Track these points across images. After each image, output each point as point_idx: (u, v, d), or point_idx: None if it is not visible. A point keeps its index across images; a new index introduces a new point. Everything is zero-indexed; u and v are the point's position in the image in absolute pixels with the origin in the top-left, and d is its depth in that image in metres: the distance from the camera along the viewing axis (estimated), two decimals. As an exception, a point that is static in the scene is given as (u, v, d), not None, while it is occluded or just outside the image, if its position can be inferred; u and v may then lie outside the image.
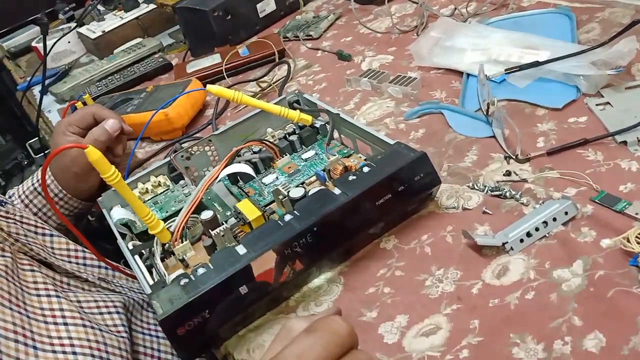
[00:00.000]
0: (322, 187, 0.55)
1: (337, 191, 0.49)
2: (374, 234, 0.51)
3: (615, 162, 0.50)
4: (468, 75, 0.69)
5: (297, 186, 0.57)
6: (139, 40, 1.23)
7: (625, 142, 0.51)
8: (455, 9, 0.84)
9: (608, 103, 0.57)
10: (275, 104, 0.67)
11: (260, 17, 1.05)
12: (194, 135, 0.79)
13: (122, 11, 1.31)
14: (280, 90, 0.78)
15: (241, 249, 0.47)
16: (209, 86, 0.60)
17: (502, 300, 0.42)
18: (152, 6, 1.28)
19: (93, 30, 1.28)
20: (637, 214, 0.44)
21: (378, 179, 0.48)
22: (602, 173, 0.49)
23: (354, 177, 0.49)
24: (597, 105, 0.57)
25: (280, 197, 0.55)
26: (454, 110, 0.64)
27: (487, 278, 0.44)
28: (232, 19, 1.01)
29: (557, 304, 0.40)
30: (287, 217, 0.48)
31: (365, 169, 0.50)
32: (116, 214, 0.58)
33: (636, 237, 0.41)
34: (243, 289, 0.45)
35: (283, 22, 1.06)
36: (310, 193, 0.52)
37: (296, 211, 0.48)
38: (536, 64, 0.63)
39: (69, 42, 1.36)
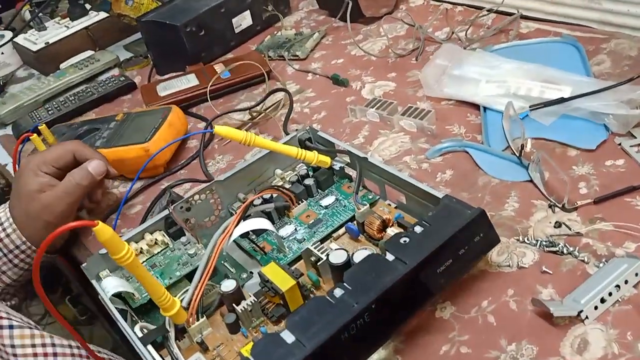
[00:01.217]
0: (362, 247, 0.49)
1: (390, 257, 0.43)
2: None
3: (669, 213, 0.48)
4: (485, 108, 0.65)
5: (329, 243, 0.51)
6: (90, 53, 1.11)
7: (676, 191, 0.49)
8: (452, 32, 0.80)
9: (643, 145, 0.55)
10: (285, 143, 0.60)
11: (236, 32, 0.97)
12: (190, 178, 0.69)
13: (67, 19, 1.17)
14: (285, 125, 0.71)
15: (288, 336, 0.40)
16: (216, 128, 0.53)
17: (589, 380, 0.38)
18: (102, 15, 1.15)
19: (33, 40, 1.14)
20: None
21: (438, 242, 0.43)
22: (658, 226, 0.47)
23: (407, 240, 0.44)
24: (631, 146, 0.55)
25: (313, 259, 0.48)
26: (481, 150, 0.60)
27: (567, 354, 0.40)
28: (205, 34, 0.93)
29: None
30: (338, 292, 0.42)
31: (418, 229, 0.45)
32: (110, 286, 0.49)
33: None
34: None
35: (260, 38, 0.98)
36: (355, 258, 0.46)
37: (346, 284, 0.42)
38: (561, 100, 0.60)
39: (2, 53, 1.21)
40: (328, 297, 0.42)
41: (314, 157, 0.57)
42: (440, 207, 0.46)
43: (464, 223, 0.44)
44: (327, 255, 0.47)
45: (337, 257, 0.46)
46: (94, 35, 1.16)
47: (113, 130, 0.75)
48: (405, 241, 0.44)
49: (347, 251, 0.47)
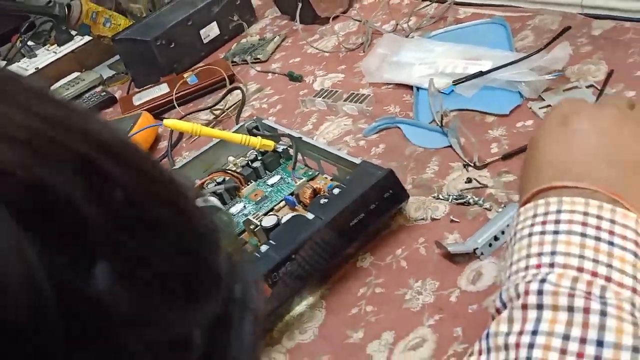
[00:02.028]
0: (294, 212, 0.56)
1: (310, 216, 0.50)
2: (350, 253, 0.52)
3: (565, 162, 0.53)
4: (418, 88, 0.71)
5: (268, 214, 0.57)
6: (76, 74, 1.20)
7: (572, 143, 0.55)
8: (397, 24, 0.87)
9: (549, 105, 0.60)
10: (234, 132, 0.67)
11: (205, 42, 1.04)
12: None
13: (55, 45, 1.27)
14: (237, 117, 0.78)
15: None
16: (165, 121, 0.60)
17: (480, 306, 0.44)
18: (87, 38, 1.24)
19: (25, 67, 1.23)
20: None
21: (350, 200, 0.49)
22: (555, 174, 0.52)
23: (326, 200, 0.50)
24: (539, 108, 0.61)
25: (252, 227, 0.55)
26: (409, 124, 0.66)
27: (463, 285, 0.46)
28: (175, 47, 1.00)
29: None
30: (264, 248, 0.48)
31: (336, 191, 0.51)
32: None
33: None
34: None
35: (228, 46, 1.06)
36: (283, 220, 0.52)
37: (272, 240, 0.49)
38: (480, 73, 0.66)
39: None
40: (256, 254, 0.48)
41: (257, 142, 0.63)
42: (356, 171, 0.53)
43: (374, 182, 0.50)
44: (261, 221, 0.53)
45: (269, 221, 0.53)
46: (80, 58, 1.25)
47: (91, 138, 0.83)
48: (324, 202, 0.51)
49: (277, 216, 0.53)
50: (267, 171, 0.65)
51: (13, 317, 0.11)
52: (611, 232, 0.31)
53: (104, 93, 1.05)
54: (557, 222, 0.32)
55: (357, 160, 0.54)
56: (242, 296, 0.18)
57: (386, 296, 0.48)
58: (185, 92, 0.91)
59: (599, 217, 0.32)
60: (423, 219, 0.53)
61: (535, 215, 0.33)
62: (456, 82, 0.67)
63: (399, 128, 0.66)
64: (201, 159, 0.67)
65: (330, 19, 0.94)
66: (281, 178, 0.63)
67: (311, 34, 0.96)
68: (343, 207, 0.49)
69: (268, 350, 0.48)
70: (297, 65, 0.90)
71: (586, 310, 0.28)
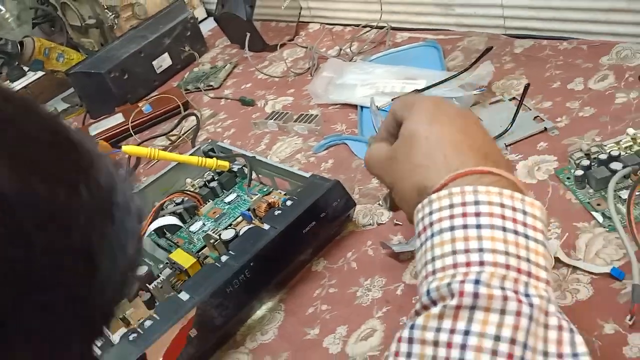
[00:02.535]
0: (251, 225, 0.60)
1: (266, 226, 0.54)
2: (305, 259, 0.57)
3: (491, 166, 0.60)
4: (361, 107, 0.77)
5: (227, 228, 0.61)
6: (31, 108, 1.21)
7: (496, 149, 0.61)
8: (341, 49, 0.93)
9: (478, 118, 0.67)
10: (190, 155, 0.71)
11: (158, 73, 1.08)
12: None
13: (8, 81, 1.27)
14: (193, 141, 0.82)
15: (184, 296, 0.50)
16: (124, 147, 0.63)
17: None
18: (40, 73, 1.26)
19: (-23, 103, 1.23)
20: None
21: (302, 209, 0.54)
22: (483, 176, 0.59)
23: (280, 212, 0.55)
24: (470, 120, 0.68)
25: (212, 241, 0.58)
26: (355, 140, 0.72)
27: (407, 280, 0.51)
28: (129, 78, 1.04)
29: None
30: (224, 258, 0.52)
31: (288, 203, 0.56)
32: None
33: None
34: (192, 332, 0.49)
35: (181, 75, 1.10)
36: (241, 233, 0.56)
37: (231, 251, 0.53)
38: (416, 91, 0.73)
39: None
40: (216, 264, 0.52)
41: (213, 162, 0.68)
42: (306, 184, 0.58)
43: (323, 192, 0.55)
44: (220, 235, 0.57)
45: (227, 234, 0.57)
46: (33, 93, 1.26)
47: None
48: (278, 213, 0.55)
49: (235, 229, 0.57)
50: (224, 190, 0.69)
51: None
52: (524, 224, 0.33)
53: (60, 125, 1.07)
54: (477, 214, 0.33)
55: (307, 175, 0.59)
56: (124, 202, 0.23)
57: (339, 295, 0.52)
58: (141, 120, 0.95)
59: (514, 209, 0.34)
60: (370, 224, 0.58)
61: (452, 206, 0.34)
62: (395, 99, 0.73)
63: (346, 144, 0.72)
64: (159, 182, 0.70)
65: (278, 47, 0.99)
66: (238, 196, 0.67)
67: (261, 60, 1.02)
68: (295, 217, 0.53)
69: (231, 352, 0.51)
70: (249, 90, 0.95)
71: (518, 314, 0.30)
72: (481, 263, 0.32)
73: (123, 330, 0.54)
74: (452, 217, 0.34)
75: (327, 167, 0.70)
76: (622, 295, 0.43)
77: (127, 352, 0.46)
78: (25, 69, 1.30)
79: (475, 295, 0.30)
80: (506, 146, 0.61)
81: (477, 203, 0.33)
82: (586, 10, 0.73)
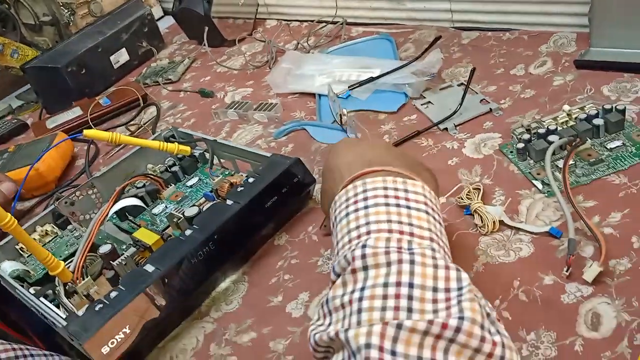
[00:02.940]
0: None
1: (229, 202, 0.56)
2: (267, 234, 0.59)
3: (442, 144, 0.63)
4: (320, 95, 0.80)
5: (191, 206, 0.62)
6: (-18, 106, 1.18)
7: (446, 129, 0.65)
8: (298, 43, 0.96)
9: (429, 102, 0.71)
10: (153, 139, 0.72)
11: (115, 68, 1.08)
12: (71, 184, 0.80)
13: (-43, 78, 1.24)
14: (154, 129, 0.83)
15: (149, 267, 0.51)
16: (85, 131, 0.64)
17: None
18: (-9, 70, 1.23)
19: None
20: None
21: (264, 185, 0.56)
22: (434, 154, 0.62)
23: (242, 188, 0.57)
24: (422, 105, 0.71)
25: (175, 219, 0.60)
26: (314, 125, 0.74)
27: (365, 248, 0.54)
28: (86, 72, 1.03)
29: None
30: (188, 232, 0.53)
31: (251, 180, 0.58)
32: (8, 267, 0.59)
33: (466, 195, 0.54)
34: (158, 301, 0.50)
35: (139, 70, 1.10)
36: (204, 209, 0.58)
37: (195, 225, 0.54)
38: (371, 79, 0.76)
39: None
40: (180, 237, 0.53)
41: (175, 147, 0.69)
42: (268, 162, 0.60)
43: (284, 169, 0.57)
44: (183, 212, 0.59)
45: (191, 212, 0.58)
46: (-15, 90, 1.23)
47: (6, 159, 0.84)
48: (240, 189, 0.57)
49: (198, 207, 0.59)
50: (185, 175, 0.70)
51: None
52: (407, 199, 0.40)
53: (15, 121, 1.05)
54: (365, 199, 0.40)
55: (268, 154, 0.61)
56: None
57: (301, 265, 0.54)
58: (100, 113, 0.95)
59: (396, 189, 0.40)
60: (329, 200, 0.61)
61: (347, 199, 0.41)
62: (351, 87, 0.77)
63: (305, 130, 0.75)
64: (120, 168, 0.70)
65: (237, 41, 1.01)
66: (199, 179, 0.69)
67: (220, 55, 1.04)
68: (258, 192, 0.55)
69: (196, 322, 0.52)
70: (208, 82, 0.96)
71: (399, 261, 0.34)
72: (368, 232, 0.38)
73: (87, 305, 0.54)
74: (347, 207, 0.41)
75: (288, 150, 0.72)
76: (560, 251, 0.47)
77: (95, 319, 0.47)
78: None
79: (363, 256, 0.35)
80: (455, 126, 0.65)
81: (364, 191, 0.41)
82: (526, 2, 0.78)
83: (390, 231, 0.37)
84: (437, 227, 0.40)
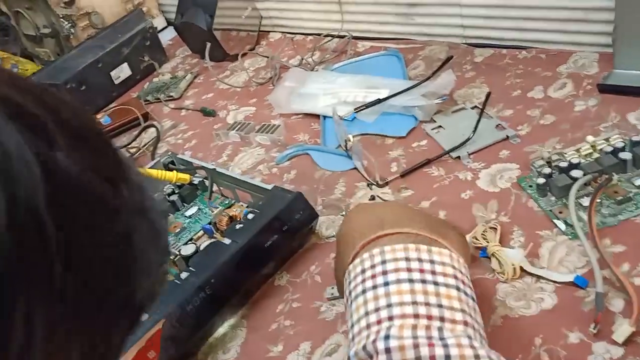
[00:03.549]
0: (212, 239, 0.58)
1: (227, 241, 0.52)
2: (268, 273, 0.55)
3: (454, 174, 0.60)
4: (324, 117, 0.76)
5: (187, 243, 0.59)
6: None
7: (459, 157, 0.61)
8: (302, 59, 0.93)
9: (440, 126, 0.67)
10: (150, 168, 0.68)
11: (116, 84, 1.05)
12: None
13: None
14: (153, 154, 0.80)
15: (144, 315, 0.47)
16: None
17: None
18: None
19: None
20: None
21: (263, 222, 0.52)
22: (446, 186, 0.59)
23: (241, 225, 0.53)
24: (432, 129, 0.67)
25: (172, 257, 0.56)
26: (318, 150, 0.71)
27: (372, 292, 0.50)
28: (86, 89, 1.00)
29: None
30: (184, 275, 0.50)
31: (250, 216, 0.54)
32: None
33: (482, 234, 0.50)
34: (151, 354, 0.46)
35: (140, 85, 1.07)
36: (201, 248, 0.54)
37: (191, 267, 0.51)
38: (378, 101, 0.72)
39: None
40: (176, 280, 0.50)
41: (173, 175, 0.65)
42: (269, 196, 0.56)
43: (285, 205, 0.54)
44: (180, 250, 0.55)
45: (187, 250, 0.55)
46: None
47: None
48: (239, 227, 0.53)
49: (195, 244, 0.55)
50: (184, 204, 0.67)
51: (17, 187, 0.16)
52: (433, 272, 0.35)
53: (12, 138, 1.02)
54: (384, 273, 0.35)
55: (269, 187, 0.58)
56: (151, 199, 0.23)
57: (303, 310, 0.51)
58: (99, 132, 0.91)
59: (420, 260, 0.35)
60: (333, 236, 0.57)
61: (363, 271, 0.36)
62: (357, 110, 0.73)
63: (309, 154, 0.71)
64: (117, 197, 0.67)
65: (239, 56, 0.98)
66: (199, 209, 0.65)
67: (222, 70, 1.00)
68: (257, 230, 0.52)
69: (193, 374, 0.49)
70: (210, 100, 0.93)
71: (432, 358, 0.30)
72: (390, 318, 0.33)
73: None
74: (364, 281, 0.36)
75: (290, 177, 0.68)
76: (586, 303, 0.43)
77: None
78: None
79: (387, 351, 0.31)
80: (469, 155, 0.61)
81: (383, 262, 0.36)
82: (544, 20, 0.74)
83: (416, 316, 0.33)
84: (470, 305, 0.35)
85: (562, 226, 0.49)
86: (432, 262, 0.36)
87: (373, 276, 0.36)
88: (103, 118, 0.93)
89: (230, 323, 0.52)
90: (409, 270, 0.35)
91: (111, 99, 1.05)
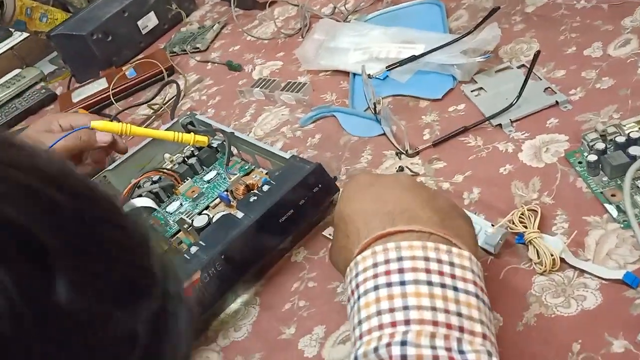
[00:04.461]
0: (226, 211, 0.55)
1: (239, 214, 0.49)
2: (284, 248, 0.52)
3: (493, 145, 0.53)
4: (354, 75, 0.71)
5: (201, 213, 0.56)
6: (18, 71, 1.15)
7: (500, 125, 0.55)
8: (335, 7, 0.85)
9: (482, 88, 0.60)
10: (169, 128, 0.65)
11: (143, 34, 1.01)
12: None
13: (-7, 42, 1.21)
14: (172, 113, 0.76)
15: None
16: (93, 123, 0.58)
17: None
18: (25, 34, 1.19)
19: (-38, 66, 1.18)
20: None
21: (278, 197, 0.48)
22: (483, 158, 0.53)
23: (255, 198, 0.50)
24: (472, 91, 0.61)
25: (186, 226, 0.54)
26: (345, 112, 0.65)
27: (393, 276, 0.46)
28: (113, 40, 0.97)
29: (458, 290, 0.43)
30: (193, 249, 0.47)
31: (265, 188, 0.50)
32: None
33: (519, 218, 0.45)
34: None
35: (168, 36, 1.03)
36: (214, 219, 0.51)
37: (201, 241, 0.48)
38: (413, 58, 0.65)
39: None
40: (185, 255, 0.47)
41: (191, 138, 0.62)
42: (285, 166, 0.52)
43: (301, 178, 0.49)
44: (193, 220, 0.52)
45: (200, 221, 0.52)
46: (20, 54, 1.20)
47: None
48: (253, 199, 0.50)
49: (208, 215, 0.52)
50: (204, 167, 0.64)
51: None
52: (453, 276, 0.32)
53: (44, 90, 1.02)
54: (400, 270, 0.32)
55: (287, 155, 0.53)
56: (175, 290, 0.21)
57: (319, 290, 0.48)
58: (124, 86, 0.89)
59: (439, 261, 0.32)
60: (356, 210, 0.53)
61: (375, 265, 0.33)
62: (390, 67, 0.66)
63: (335, 117, 0.66)
64: (136, 158, 0.65)
65: (267, 5, 0.92)
66: (217, 173, 0.62)
67: (251, 19, 0.94)
68: (272, 204, 0.48)
69: (202, 349, 0.47)
70: (237, 53, 0.88)
71: None
72: (407, 322, 0.31)
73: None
74: (375, 276, 0.33)
75: (314, 142, 0.64)
76: (636, 306, 0.37)
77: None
78: (12, 29, 1.23)
79: (404, 358, 0.29)
80: (511, 122, 0.55)
81: (400, 259, 0.32)
82: (609, -37, 0.64)
83: (435, 323, 0.30)
84: (488, 315, 0.32)
85: (614, 212, 0.43)
86: (452, 264, 0.32)
87: (387, 273, 0.32)
88: (128, 71, 0.90)
89: (244, 299, 0.50)
90: (428, 271, 0.32)
91: (139, 49, 1.02)
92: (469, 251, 0.34)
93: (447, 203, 0.38)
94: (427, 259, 0.32)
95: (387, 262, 0.33)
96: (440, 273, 0.32)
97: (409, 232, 0.34)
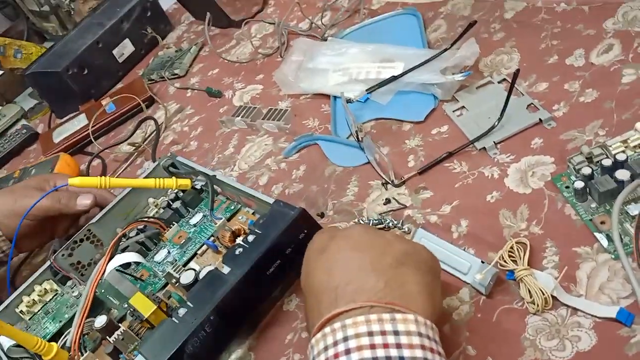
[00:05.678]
0: (213, 260, 0.54)
1: (226, 269, 0.48)
2: (275, 297, 0.51)
3: (478, 170, 0.52)
4: (335, 97, 0.69)
5: (187, 266, 0.55)
6: (-2, 108, 1.14)
7: (484, 149, 0.53)
8: (312, 23, 0.84)
9: (463, 107, 0.59)
10: (149, 174, 0.64)
11: (120, 62, 0.99)
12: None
13: (-30, 79, 1.20)
14: (154, 154, 0.75)
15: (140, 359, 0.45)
16: (70, 180, 0.57)
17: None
18: (0, 71, 1.18)
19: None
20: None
21: (264, 248, 0.47)
22: (469, 185, 0.51)
23: (241, 250, 0.49)
24: (454, 111, 0.59)
25: (174, 281, 0.53)
26: (328, 140, 0.64)
27: (386, 322, 0.45)
28: (89, 72, 0.95)
29: (451, 335, 0.42)
30: (181, 312, 0.46)
31: (250, 238, 0.49)
32: (5, 341, 0.54)
33: (509, 251, 0.44)
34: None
35: (146, 61, 1.01)
36: (200, 275, 0.50)
37: (189, 302, 0.47)
38: (393, 78, 0.64)
39: None
40: (173, 318, 0.46)
41: (173, 182, 0.61)
42: (269, 212, 0.51)
43: (286, 225, 0.48)
44: (180, 277, 0.51)
45: (186, 278, 0.51)
46: (-3, 91, 1.19)
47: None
48: (239, 251, 0.49)
49: (195, 270, 0.51)
50: (189, 209, 0.63)
51: None
52: (398, 345, 0.32)
53: (25, 130, 1.00)
54: (347, 352, 0.32)
55: (270, 201, 0.52)
56: None
57: (313, 341, 0.47)
58: (104, 121, 0.87)
59: (383, 333, 0.32)
60: (345, 249, 0.52)
61: (326, 348, 0.33)
62: (370, 90, 0.65)
63: (318, 144, 0.64)
64: (120, 206, 0.64)
65: (243, 24, 0.90)
66: (203, 215, 0.61)
67: (228, 39, 0.93)
68: (258, 257, 0.47)
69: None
70: (216, 78, 0.86)
71: None
72: None
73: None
74: None
75: (299, 175, 0.63)
76: (631, 346, 0.36)
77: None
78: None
79: None
80: (495, 144, 0.53)
81: (345, 340, 0.33)
82: (585, -37, 0.62)
83: None
84: None
85: (604, 242, 0.42)
86: (396, 333, 0.33)
87: (336, 356, 0.33)
88: (108, 105, 0.89)
89: (238, 355, 0.49)
90: (373, 347, 0.32)
91: (117, 78, 1.00)
92: (414, 310, 0.34)
93: (401, 252, 0.38)
94: (370, 333, 0.33)
95: (335, 344, 0.33)
96: (385, 345, 0.32)
97: (352, 311, 0.35)
